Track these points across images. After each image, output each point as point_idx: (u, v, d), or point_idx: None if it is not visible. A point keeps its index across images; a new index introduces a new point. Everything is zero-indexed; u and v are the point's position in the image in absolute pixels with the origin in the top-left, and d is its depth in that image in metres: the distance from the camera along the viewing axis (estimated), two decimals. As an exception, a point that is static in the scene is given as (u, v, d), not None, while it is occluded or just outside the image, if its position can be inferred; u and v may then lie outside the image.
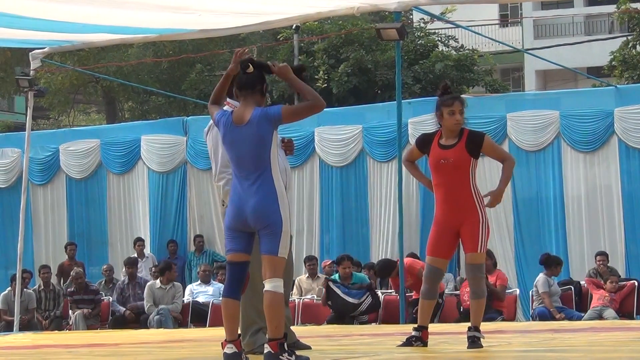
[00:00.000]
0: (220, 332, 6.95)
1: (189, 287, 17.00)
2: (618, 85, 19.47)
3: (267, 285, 6.30)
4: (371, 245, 17.95)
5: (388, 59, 26.68)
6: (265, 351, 6.31)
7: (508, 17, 41.97)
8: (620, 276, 15.49)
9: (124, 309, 16.72)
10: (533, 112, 17.08)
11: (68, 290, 17.17)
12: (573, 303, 15.10)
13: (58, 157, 20.25)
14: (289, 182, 7.73)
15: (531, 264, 16.36)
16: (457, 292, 15.47)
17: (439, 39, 30.14)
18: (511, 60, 39.54)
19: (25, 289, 16.64)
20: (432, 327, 8.16)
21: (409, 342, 7.83)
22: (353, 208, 18.13)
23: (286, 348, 6.30)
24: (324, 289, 15.16)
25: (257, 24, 13.31)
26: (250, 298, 7.24)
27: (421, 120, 16.49)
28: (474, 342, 7.63)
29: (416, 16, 31.66)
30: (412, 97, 23.06)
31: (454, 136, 7.72)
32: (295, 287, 16.17)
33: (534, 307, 14.97)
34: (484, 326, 7.92)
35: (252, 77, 6.46)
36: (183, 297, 16.51)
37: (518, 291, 15.50)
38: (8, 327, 16.07)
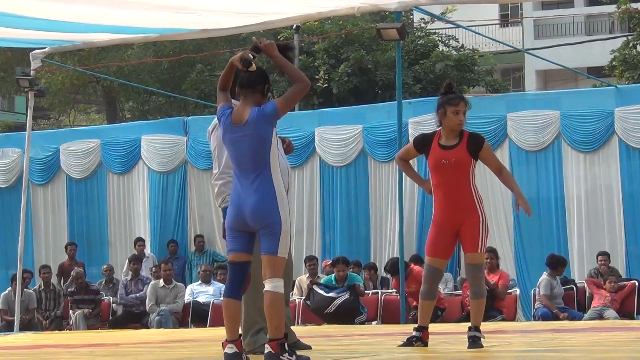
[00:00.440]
0: (220, 332, 6.95)
1: (189, 287, 17.00)
2: (618, 85, 19.45)
3: (267, 286, 6.30)
4: (371, 245, 17.94)
5: (388, 59, 26.69)
6: (265, 351, 6.31)
7: (508, 17, 41.98)
8: (620, 276, 15.49)
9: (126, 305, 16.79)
10: (533, 112, 17.08)
11: (68, 290, 17.18)
12: (574, 303, 15.09)
13: (58, 157, 20.25)
14: (290, 183, 7.71)
15: (531, 264, 16.36)
16: (457, 292, 15.47)
17: (440, 39, 30.17)
18: (511, 60, 39.55)
19: (25, 289, 16.65)
20: (433, 327, 8.16)
21: (409, 342, 7.83)
22: (353, 208, 18.13)
23: (287, 348, 6.30)
24: (307, 290, 15.30)
25: (258, 24, 13.29)
26: (252, 298, 7.23)
27: (421, 120, 16.49)
28: (475, 342, 7.63)
29: (416, 16, 31.67)
30: (413, 97, 23.07)
31: (454, 137, 7.71)
32: (295, 287, 16.18)
33: (536, 307, 14.96)
34: (484, 326, 7.92)
35: (254, 76, 6.45)
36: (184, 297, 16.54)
37: (518, 291, 15.50)
38: (8, 327, 16.08)
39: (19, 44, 16.37)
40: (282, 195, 6.34)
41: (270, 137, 6.34)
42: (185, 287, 16.98)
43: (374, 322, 15.41)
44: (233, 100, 6.62)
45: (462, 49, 30.15)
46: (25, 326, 15.89)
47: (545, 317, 14.42)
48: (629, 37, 29.12)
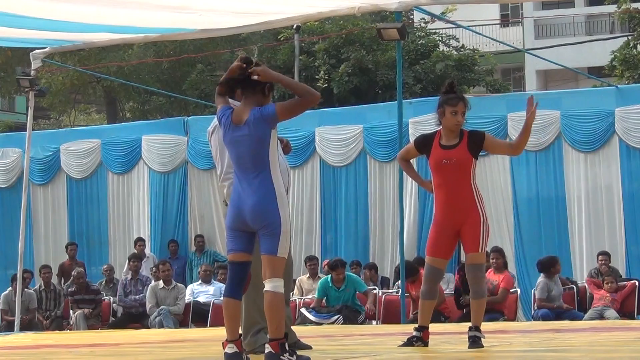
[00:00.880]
0: (221, 332, 6.95)
1: (189, 287, 17.00)
2: (619, 85, 19.47)
3: (267, 285, 6.30)
4: (372, 246, 17.94)
5: (389, 58, 26.68)
6: (266, 351, 6.31)
7: (509, 17, 42.00)
8: (621, 276, 15.49)
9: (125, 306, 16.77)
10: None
11: (69, 290, 17.18)
12: (575, 303, 15.09)
13: (59, 157, 20.26)
14: (289, 182, 7.71)
15: (531, 264, 16.35)
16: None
17: (440, 38, 30.15)
18: (512, 60, 39.55)
19: (26, 289, 16.64)
20: (433, 327, 8.16)
21: (410, 342, 7.83)
22: (353, 208, 18.13)
23: (287, 348, 6.29)
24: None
25: (258, 24, 13.29)
26: (253, 298, 7.23)
27: (422, 120, 16.50)
28: (475, 342, 7.63)
29: (417, 16, 31.69)
30: (413, 97, 23.07)
31: (454, 136, 7.71)
32: (296, 287, 16.18)
33: (536, 308, 14.95)
34: (485, 326, 7.92)
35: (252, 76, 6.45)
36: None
37: (519, 291, 15.49)
38: (9, 327, 16.07)
39: (20, 44, 16.35)
40: (282, 196, 6.33)
41: (268, 138, 6.33)
42: (186, 287, 16.98)
43: (374, 322, 15.40)
44: (232, 101, 6.62)
45: (462, 49, 30.14)
46: (26, 326, 15.89)
47: (545, 318, 14.41)
48: (630, 37, 29.11)
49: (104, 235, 19.97)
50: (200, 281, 16.99)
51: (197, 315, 16.30)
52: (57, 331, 16.07)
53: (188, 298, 16.52)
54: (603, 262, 15.48)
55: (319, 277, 16.17)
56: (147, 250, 19.10)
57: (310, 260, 16.73)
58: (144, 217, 19.64)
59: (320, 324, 14.64)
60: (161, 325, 15.68)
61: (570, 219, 16.71)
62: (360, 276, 16.30)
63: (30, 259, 19.57)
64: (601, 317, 14.25)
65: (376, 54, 27.32)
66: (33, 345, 10.76)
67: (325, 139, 18.29)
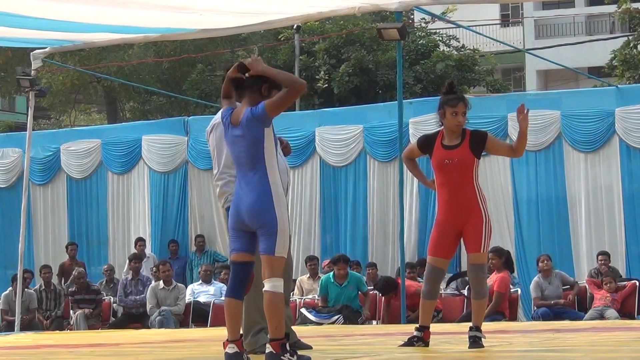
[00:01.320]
0: (221, 332, 6.95)
1: (190, 287, 17.01)
2: (619, 85, 19.47)
3: (266, 285, 6.29)
4: (372, 246, 17.94)
5: (389, 58, 26.69)
6: (266, 351, 6.30)
7: (509, 17, 42.00)
8: (620, 276, 15.48)
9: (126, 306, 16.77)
10: (534, 112, 16.86)
11: (69, 290, 17.18)
12: (575, 303, 15.09)
13: (59, 157, 20.26)
14: (289, 182, 7.71)
15: (531, 264, 16.34)
16: (458, 292, 15.45)
17: (440, 38, 30.17)
18: (512, 60, 39.56)
19: (26, 289, 16.64)
20: (434, 327, 8.16)
21: (410, 342, 7.82)
22: (353, 208, 18.12)
23: (288, 348, 6.29)
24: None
25: (258, 24, 13.30)
26: (254, 298, 7.22)
27: (422, 120, 16.50)
28: (475, 342, 7.63)
29: (417, 16, 31.71)
30: (413, 97, 23.07)
31: (456, 136, 7.71)
32: (296, 287, 16.18)
33: (535, 308, 14.95)
34: (486, 326, 7.92)
35: (251, 77, 6.45)
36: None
37: (520, 291, 15.48)
38: (9, 327, 16.07)
39: (20, 44, 16.36)
40: (279, 195, 6.32)
41: (262, 138, 6.32)
42: (186, 287, 16.98)
43: (374, 322, 15.40)
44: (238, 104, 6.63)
45: (462, 49, 30.15)
46: (26, 326, 15.89)
47: (545, 316, 14.41)
48: (630, 37, 29.12)
49: (104, 235, 19.96)
50: (200, 281, 16.99)
51: (198, 315, 16.30)
52: (58, 331, 16.07)
53: (188, 298, 16.52)
54: (603, 262, 15.48)
55: (319, 277, 16.17)
56: (148, 251, 19.09)
57: (311, 260, 16.73)
58: (144, 217, 19.64)
59: (321, 324, 14.65)
60: (161, 326, 15.68)
61: (570, 218, 16.71)
62: (363, 275, 16.28)
63: (30, 259, 19.57)
64: (601, 317, 14.25)
65: (376, 54, 27.33)
66: (33, 345, 10.75)
67: (325, 139, 18.29)
